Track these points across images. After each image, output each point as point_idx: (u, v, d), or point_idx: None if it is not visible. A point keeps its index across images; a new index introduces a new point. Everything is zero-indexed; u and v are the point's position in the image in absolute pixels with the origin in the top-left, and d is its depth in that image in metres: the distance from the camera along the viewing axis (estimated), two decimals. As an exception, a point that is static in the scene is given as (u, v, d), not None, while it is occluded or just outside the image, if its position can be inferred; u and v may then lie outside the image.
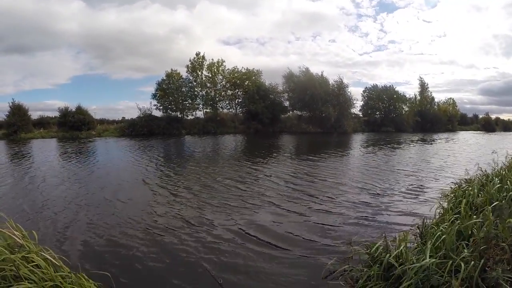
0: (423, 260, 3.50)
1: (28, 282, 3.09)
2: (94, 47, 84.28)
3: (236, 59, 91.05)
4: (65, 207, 8.27)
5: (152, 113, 47.11)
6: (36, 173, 13.74)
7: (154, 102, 48.01)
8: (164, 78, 49.30)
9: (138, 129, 42.93)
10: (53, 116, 48.23)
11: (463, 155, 20.19)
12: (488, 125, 75.55)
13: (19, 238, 3.59)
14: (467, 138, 39.82)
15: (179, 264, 5.05)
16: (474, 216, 4.36)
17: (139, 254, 5.43)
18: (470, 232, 4.09)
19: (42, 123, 46.45)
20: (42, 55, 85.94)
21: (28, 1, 76.13)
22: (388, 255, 3.92)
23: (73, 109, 42.63)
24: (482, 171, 8.14)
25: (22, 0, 74.50)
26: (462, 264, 3.34)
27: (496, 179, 6.32)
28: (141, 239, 6.09)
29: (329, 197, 8.95)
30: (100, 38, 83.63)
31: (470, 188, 6.11)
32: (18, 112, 39.54)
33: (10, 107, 39.83)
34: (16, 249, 3.52)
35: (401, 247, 3.96)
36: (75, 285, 3.45)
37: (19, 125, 38.84)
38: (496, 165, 8.34)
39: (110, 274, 3.94)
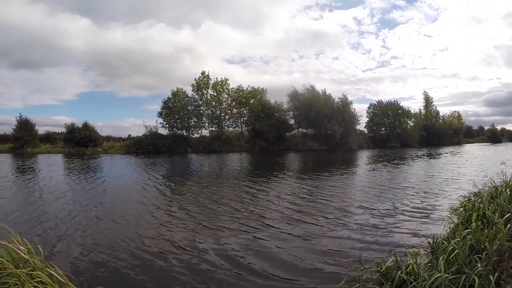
0: (435, 276, 3.41)
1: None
2: (101, 65, 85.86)
3: (241, 78, 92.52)
4: (70, 223, 8.24)
5: (158, 131, 47.68)
6: (40, 188, 13.83)
7: (160, 120, 48.71)
8: (170, 96, 50.08)
9: (144, 147, 43.36)
10: (60, 131, 49.26)
11: (470, 168, 19.99)
12: (494, 137, 75.29)
13: (24, 253, 3.55)
14: (473, 151, 39.52)
15: (182, 283, 4.94)
16: (486, 230, 4.27)
17: (143, 270, 5.35)
18: (482, 246, 3.99)
19: (49, 138, 47.22)
20: (49, 71, 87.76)
21: (36, 16, 78.10)
22: (399, 271, 3.83)
23: (80, 126, 43.40)
24: (491, 183, 8.00)
25: (30, 15, 76.35)
26: (476, 279, 3.25)
27: (507, 190, 6.21)
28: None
29: (334, 218, 8.65)
30: (107, 56, 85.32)
31: (480, 200, 6.01)
32: (25, 126, 40.21)
33: (17, 121, 40.49)
34: (21, 264, 3.48)
35: (413, 263, 3.88)
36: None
37: (25, 140, 39.36)
38: (504, 176, 8.11)
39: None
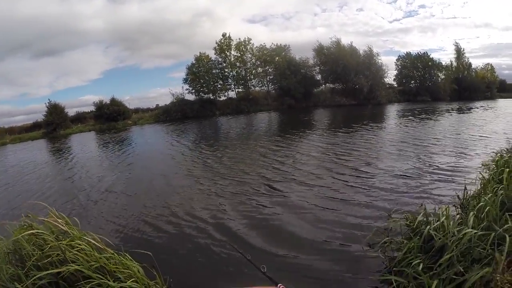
0: (464, 232, 3.36)
1: (75, 265, 3.27)
2: (121, 40, 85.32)
3: (263, 37, 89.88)
4: (105, 194, 8.71)
5: (185, 98, 47.81)
6: (74, 164, 14.54)
7: (186, 86, 48.63)
8: (194, 62, 49.51)
9: (172, 114, 43.82)
10: (89, 110, 49.91)
11: (503, 125, 18.85)
12: (530, 91, 70.34)
13: (62, 226, 3.79)
14: (507, 106, 37.35)
15: (210, 244, 5.24)
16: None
17: (174, 235, 5.67)
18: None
19: (79, 118, 48.37)
20: (72, 54, 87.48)
21: (51, 5, 77.90)
22: (428, 226, 3.83)
23: (108, 102, 44.03)
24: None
25: (45, 5, 76.45)
26: (507, 236, 3.17)
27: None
28: (175, 223, 6.31)
29: (364, 174, 8.71)
30: (126, 31, 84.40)
31: (513, 156, 5.75)
32: (55, 110, 41.28)
33: (47, 107, 41.79)
34: (61, 236, 3.73)
35: (442, 219, 3.85)
36: (119, 265, 3.63)
37: (57, 123, 40.63)
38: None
39: (152, 253, 4.08)
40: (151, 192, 8.63)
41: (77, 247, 3.54)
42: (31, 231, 3.59)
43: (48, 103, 42.06)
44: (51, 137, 37.85)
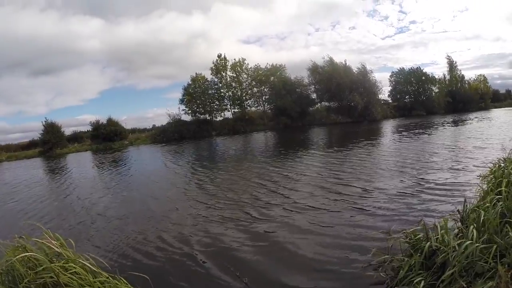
0: (465, 245, 3.32)
1: (68, 289, 3.18)
2: (118, 61, 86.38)
3: (258, 57, 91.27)
4: (100, 215, 8.60)
5: (181, 118, 48.21)
6: (70, 184, 14.47)
7: (182, 107, 49.11)
8: (190, 82, 50.13)
9: (169, 135, 43.94)
10: (86, 130, 50.09)
11: (499, 134, 19.02)
12: (523, 100, 71.33)
13: (57, 247, 3.71)
14: (500, 116, 37.75)
15: (208, 268, 5.12)
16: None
17: (170, 258, 5.57)
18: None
19: (76, 137, 48.44)
20: (69, 74, 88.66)
21: (48, 24, 78.93)
22: (428, 243, 3.77)
23: (104, 122, 44.23)
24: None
25: (42, 24, 77.35)
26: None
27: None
28: (171, 246, 6.20)
29: (360, 191, 8.64)
30: (122, 52, 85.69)
31: (510, 167, 5.73)
32: (51, 129, 41.42)
33: (43, 125, 41.80)
34: (55, 258, 3.64)
35: (442, 233, 3.81)
36: (114, 289, 3.52)
37: (54, 142, 40.61)
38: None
39: (149, 277, 3.98)
40: (146, 214, 8.50)
41: (71, 269, 3.46)
42: (25, 254, 3.50)
43: (45, 121, 42.27)
44: (47, 156, 37.88)
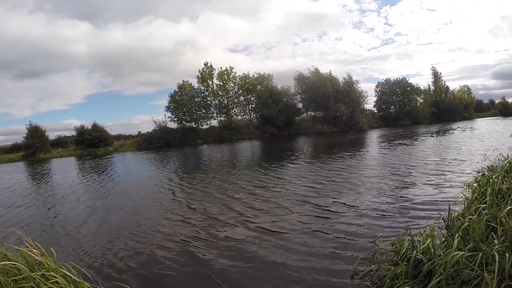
0: (451, 254, 3.34)
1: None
2: (105, 66, 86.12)
3: (245, 66, 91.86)
4: (81, 224, 8.38)
5: (167, 125, 48.03)
6: (52, 191, 14.11)
7: (169, 114, 49.12)
8: (176, 90, 50.24)
9: (154, 142, 43.65)
10: (70, 135, 49.45)
11: (483, 143, 19.52)
12: (506, 110, 73.84)
13: (37, 256, 3.59)
14: (484, 125, 38.77)
15: (192, 276, 5.00)
16: (502, 205, 4.16)
17: (153, 267, 5.42)
18: (499, 221, 3.87)
19: (60, 142, 47.67)
20: (56, 77, 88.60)
21: (36, 27, 78.42)
22: (414, 251, 3.77)
23: (89, 127, 43.62)
24: (504, 157, 7.79)
25: (30, 26, 76.74)
26: (496, 255, 3.13)
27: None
28: (154, 254, 6.04)
29: (346, 200, 8.58)
30: (110, 57, 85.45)
31: (494, 175, 5.85)
32: (35, 133, 40.69)
33: (27, 129, 40.96)
34: (36, 267, 3.52)
35: (428, 242, 3.82)
36: (95, 300, 3.43)
37: (37, 146, 39.79)
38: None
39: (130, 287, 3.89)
40: (128, 222, 8.27)
41: (52, 279, 3.35)
42: (5, 262, 3.38)
43: (29, 125, 41.46)
44: (30, 160, 37.03)
